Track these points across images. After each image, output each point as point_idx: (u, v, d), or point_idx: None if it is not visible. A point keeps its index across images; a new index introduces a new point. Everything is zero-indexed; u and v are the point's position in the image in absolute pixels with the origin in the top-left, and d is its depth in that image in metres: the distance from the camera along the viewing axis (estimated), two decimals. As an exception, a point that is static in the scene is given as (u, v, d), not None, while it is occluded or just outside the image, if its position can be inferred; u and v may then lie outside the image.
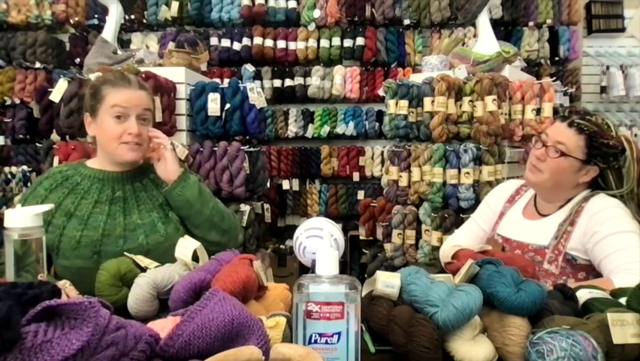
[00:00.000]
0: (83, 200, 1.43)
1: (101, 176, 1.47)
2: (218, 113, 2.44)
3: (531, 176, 1.45)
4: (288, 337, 0.84)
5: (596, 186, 1.43)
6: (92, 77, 2.19)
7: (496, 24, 3.40)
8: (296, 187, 4.09)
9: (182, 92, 2.47)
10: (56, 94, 2.25)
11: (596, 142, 1.36)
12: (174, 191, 1.46)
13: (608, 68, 4.12)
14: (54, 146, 2.35)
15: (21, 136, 3.68)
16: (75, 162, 1.57)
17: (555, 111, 2.46)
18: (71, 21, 4.06)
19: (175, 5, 3.97)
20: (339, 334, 0.75)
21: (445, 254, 1.21)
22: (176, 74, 2.47)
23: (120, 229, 1.41)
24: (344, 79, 3.99)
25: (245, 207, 2.46)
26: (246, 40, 3.99)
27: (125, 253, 1.19)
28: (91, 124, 1.46)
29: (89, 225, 1.39)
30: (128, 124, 1.40)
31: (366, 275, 2.80)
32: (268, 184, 2.95)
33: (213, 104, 2.44)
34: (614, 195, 1.39)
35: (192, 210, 1.47)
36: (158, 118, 2.23)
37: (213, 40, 4.01)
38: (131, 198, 1.47)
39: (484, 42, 2.55)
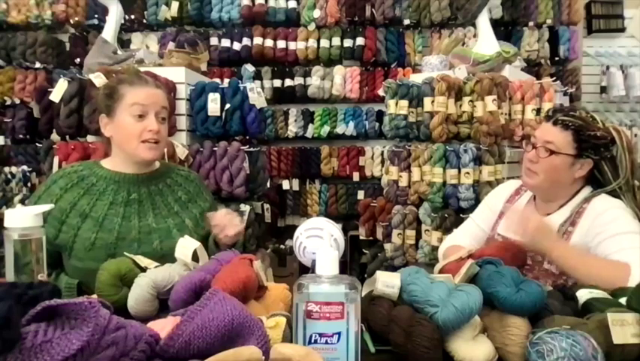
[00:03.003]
0: (98, 201, 1.41)
1: (116, 178, 1.45)
2: (218, 113, 2.44)
3: (527, 179, 1.46)
4: (288, 337, 0.84)
5: (594, 180, 1.43)
6: (93, 77, 2.19)
7: (496, 24, 3.40)
8: (296, 187, 4.09)
9: (182, 92, 2.47)
10: (56, 94, 2.26)
11: (584, 135, 1.36)
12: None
13: (608, 68, 4.12)
14: (54, 146, 2.35)
15: (21, 136, 3.69)
16: (90, 161, 1.56)
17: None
18: (71, 21, 4.05)
19: (175, 5, 3.96)
20: (339, 334, 0.75)
21: (435, 270, 1.21)
22: (176, 74, 2.46)
23: (135, 232, 1.41)
24: (344, 79, 3.98)
25: (245, 207, 2.46)
26: (246, 40, 3.98)
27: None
28: (107, 125, 1.44)
29: (104, 227, 1.39)
30: (148, 122, 1.40)
31: (366, 275, 2.80)
32: (268, 184, 2.95)
33: (213, 104, 2.44)
34: (613, 190, 1.39)
35: None
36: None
37: (213, 40, 4.01)
38: (146, 201, 1.46)
39: (484, 42, 2.55)
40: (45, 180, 1.51)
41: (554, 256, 1.30)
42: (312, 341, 0.75)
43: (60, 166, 2.24)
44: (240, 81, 2.51)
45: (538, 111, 2.40)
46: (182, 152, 2.30)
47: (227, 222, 1.41)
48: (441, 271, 1.15)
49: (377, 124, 3.92)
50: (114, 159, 1.49)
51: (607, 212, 1.35)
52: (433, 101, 2.33)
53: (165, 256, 1.30)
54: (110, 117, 1.43)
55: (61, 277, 1.39)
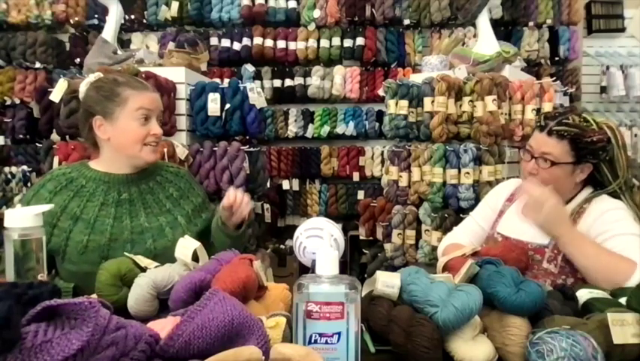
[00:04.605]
0: (88, 203, 1.40)
1: (106, 178, 1.44)
2: (218, 113, 2.44)
3: None
4: (288, 337, 0.84)
5: (594, 179, 1.43)
6: (92, 77, 2.19)
7: (496, 24, 3.40)
8: (296, 187, 4.09)
9: (182, 92, 2.47)
10: (56, 94, 2.25)
11: (581, 142, 1.36)
12: (234, 235, 1.48)
13: (608, 68, 4.12)
14: (54, 146, 2.35)
15: (21, 136, 3.68)
16: (77, 163, 1.55)
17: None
18: (71, 21, 4.05)
19: (175, 5, 3.97)
20: (339, 334, 0.75)
21: (438, 266, 1.21)
22: (176, 74, 2.47)
23: (127, 233, 1.40)
24: (344, 79, 3.98)
25: (245, 207, 2.45)
26: (246, 40, 3.99)
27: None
28: (102, 127, 1.41)
29: (96, 229, 1.38)
30: (151, 125, 1.42)
31: (366, 275, 2.80)
32: (268, 184, 2.95)
33: (213, 104, 2.44)
34: (614, 191, 1.39)
35: (227, 244, 1.45)
36: (158, 118, 2.23)
37: (213, 40, 4.01)
38: (137, 201, 1.45)
39: (484, 42, 2.55)
40: (33, 185, 1.50)
41: (565, 240, 1.29)
42: (312, 341, 0.75)
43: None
44: (240, 81, 2.51)
45: (538, 111, 2.40)
46: (182, 152, 2.30)
47: (241, 200, 1.45)
48: (445, 267, 1.15)
49: (377, 124, 3.92)
50: (104, 160, 1.47)
51: (609, 212, 1.35)
52: (433, 101, 2.33)
53: (158, 256, 1.29)
54: (109, 120, 1.41)
55: (55, 281, 1.38)
